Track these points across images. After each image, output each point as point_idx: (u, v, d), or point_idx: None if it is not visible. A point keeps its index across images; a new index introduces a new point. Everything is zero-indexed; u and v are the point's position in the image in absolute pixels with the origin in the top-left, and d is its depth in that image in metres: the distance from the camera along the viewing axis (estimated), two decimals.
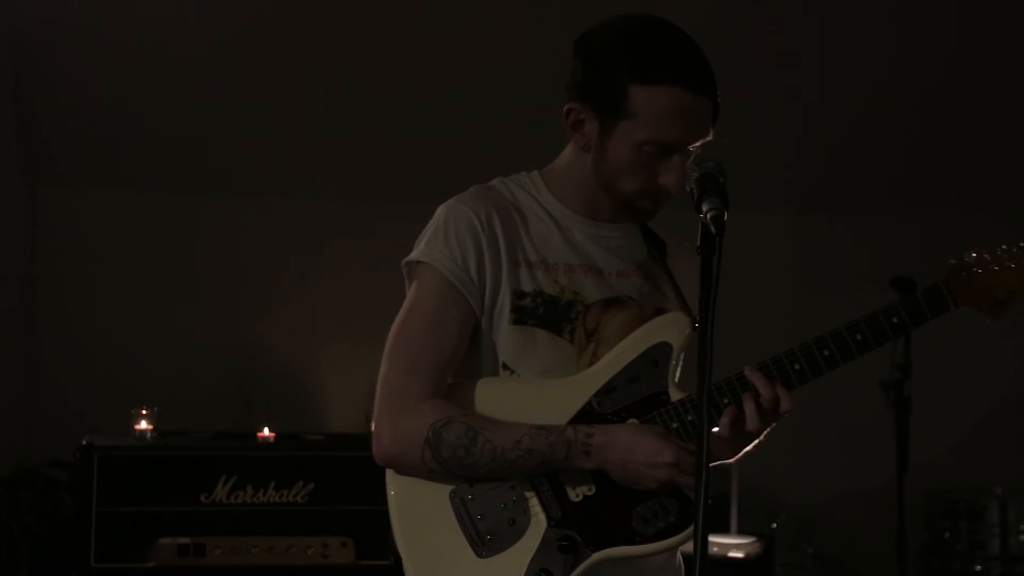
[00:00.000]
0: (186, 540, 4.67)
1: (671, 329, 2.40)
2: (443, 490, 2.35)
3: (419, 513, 2.36)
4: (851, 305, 2.62)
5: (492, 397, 2.36)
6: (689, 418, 2.34)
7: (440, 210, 2.43)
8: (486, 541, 2.33)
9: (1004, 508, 6.03)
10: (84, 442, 4.65)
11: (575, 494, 2.34)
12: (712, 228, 2.03)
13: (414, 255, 2.41)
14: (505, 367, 2.38)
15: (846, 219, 6.62)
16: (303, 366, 6.21)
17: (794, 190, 6.58)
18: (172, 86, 5.85)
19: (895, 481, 5.11)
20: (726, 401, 2.32)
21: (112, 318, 6.10)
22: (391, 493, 2.39)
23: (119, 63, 5.73)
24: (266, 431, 4.97)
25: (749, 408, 2.30)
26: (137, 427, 4.91)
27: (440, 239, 2.39)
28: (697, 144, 2.34)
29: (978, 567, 6.02)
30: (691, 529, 2.29)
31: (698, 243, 2.04)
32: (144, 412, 4.91)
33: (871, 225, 6.59)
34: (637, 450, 2.28)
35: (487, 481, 2.34)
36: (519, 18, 5.73)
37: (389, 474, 2.39)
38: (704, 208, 2.07)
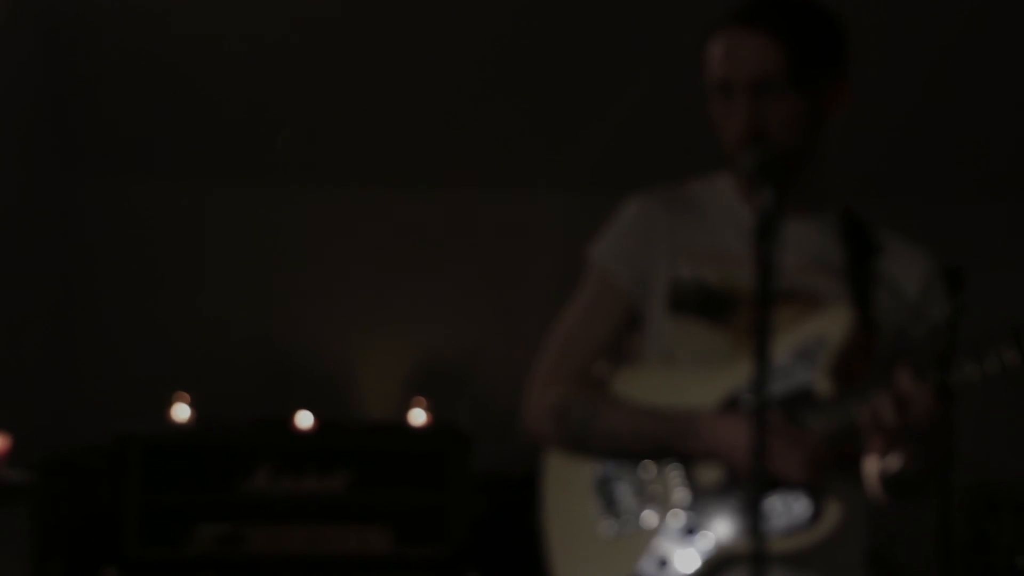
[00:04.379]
0: (225, 528, 4.66)
1: (828, 323, 2.34)
2: (590, 467, 2.42)
3: (566, 487, 2.45)
4: None
5: (642, 383, 2.42)
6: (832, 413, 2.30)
7: (621, 205, 2.51)
8: (619, 520, 2.38)
9: None
10: (122, 430, 4.64)
11: (705, 481, 2.34)
12: (764, 217, 2.01)
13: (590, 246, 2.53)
14: (666, 354, 2.41)
15: (887, 207, 6.54)
16: (339, 352, 6.19)
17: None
18: (208, 76, 5.83)
19: (938, 473, 5.04)
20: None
21: (147, 305, 6.08)
22: (545, 464, 2.48)
23: (154, 51, 5.71)
24: (306, 418, 4.95)
25: (884, 402, 2.22)
26: (175, 413, 4.89)
27: (607, 232, 2.49)
28: (755, 79, 2.31)
29: (1022, 562, 5.95)
30: (814, 530, 2.27)
31: (754, 233, 2.02)
32: (182, 398, 4.90)
33: (913, 213, 6.51)
34: (733, 436, 2.27)
35: (620, 461, 2.39)
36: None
37: (545, 447, 2.50)
38: (757, 195, 2.08)
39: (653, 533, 2.35)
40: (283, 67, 5.84)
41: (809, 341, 2.33)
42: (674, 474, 2.36)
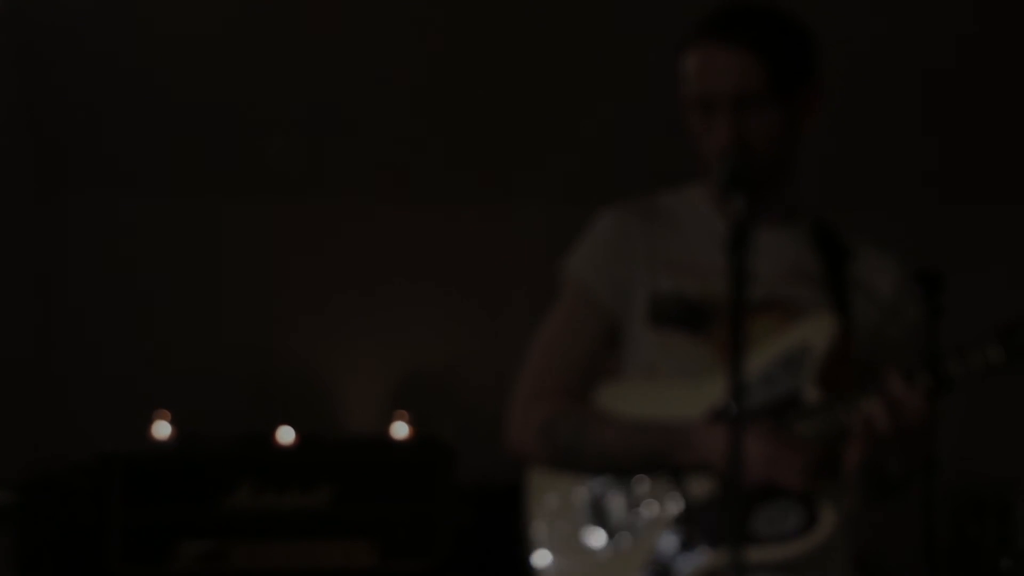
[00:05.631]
0: (208, 545, 4.65)
1: (812, 330, 2.34)
2: (580, 483, 2.40)
3: (555, 505, 2.42)
4: None
5: (626, 398, 2.40)
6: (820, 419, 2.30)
7: (594, 218, 2.50)
8: (613, 533, 2.36)
9: None
10: (103, 448, 4.63)
11: (697, 492, 2.32)
12: (737, 225, 2.03)
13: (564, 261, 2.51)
14: (647, 368, 2.40)
15: (863, 214, 6.54)
16: (320, 367, 6.18)
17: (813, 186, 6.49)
18: (187, 88, 5.81)
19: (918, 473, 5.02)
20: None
21: (129, 322, 6.06)
22: (530, 482, 2.45)
23: (132, 65, 5.69)
24: (288, 434, 4.94)
25: (876, 407, 2.23)
26: (156, 431, 4.88)
27: (582, 246, 2.48)
28: (736, 95, 2.31)
29: (1006, 564, 5.95)
30: (811, 536, 2.27)
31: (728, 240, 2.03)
32: (163, 415, 4.89)
33: (890, 218, 6.52)
34: (727, 445, 2.22)
35: (608, 475, 2.37)
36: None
37: (530, 465, 2.47)
38: (730, 205, 2.10)
39: (648, 548, 2.32)
40: (263, 82, 5.83)
41: (793, 349, 2.33)
42: (667, 487, 2.34)
